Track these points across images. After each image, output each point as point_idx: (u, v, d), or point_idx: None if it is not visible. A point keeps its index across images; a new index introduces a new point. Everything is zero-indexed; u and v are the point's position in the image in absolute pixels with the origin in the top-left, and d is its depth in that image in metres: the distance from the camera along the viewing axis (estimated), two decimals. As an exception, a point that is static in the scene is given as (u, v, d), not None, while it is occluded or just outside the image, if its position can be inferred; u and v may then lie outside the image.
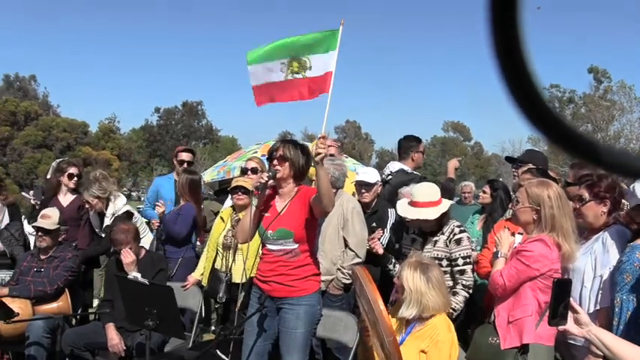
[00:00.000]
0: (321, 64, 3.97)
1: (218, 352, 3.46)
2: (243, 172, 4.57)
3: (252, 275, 3.68)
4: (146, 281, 3.54)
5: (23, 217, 5.65)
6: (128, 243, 4.00)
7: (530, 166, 4.03)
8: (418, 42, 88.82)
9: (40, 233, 4.39)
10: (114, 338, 3.88)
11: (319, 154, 2.80)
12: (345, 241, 4.00)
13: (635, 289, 2.67)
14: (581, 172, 3.72)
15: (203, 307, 4.54)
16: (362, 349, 2.81)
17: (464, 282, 3.39)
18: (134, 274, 3.79)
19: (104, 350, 3.92)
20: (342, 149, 5.51)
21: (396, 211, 4.27)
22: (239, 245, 4.06)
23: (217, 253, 4.26)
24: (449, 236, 3.46)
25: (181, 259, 4.67)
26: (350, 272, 3.92)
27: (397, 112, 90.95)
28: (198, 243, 5.18)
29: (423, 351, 2.60)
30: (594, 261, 2.91)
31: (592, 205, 2.96)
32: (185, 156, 5.37)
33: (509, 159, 4.69)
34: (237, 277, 4.01)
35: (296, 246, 3.10)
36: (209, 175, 8.04)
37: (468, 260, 3.44)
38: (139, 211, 5.48)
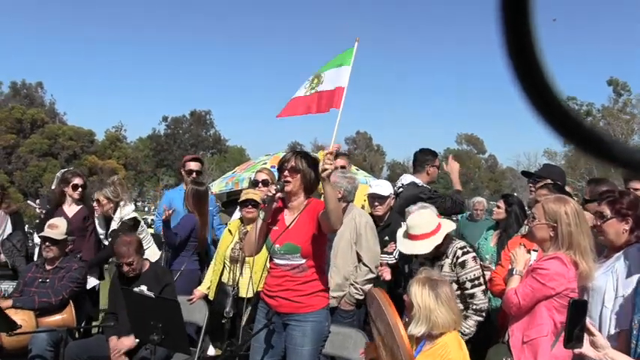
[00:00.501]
0: (332, 77, 4.04)
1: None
2: (254, 184, 4.60)
3: (259, 289, 3.69)
4: (152, 294, 3.56)
5: (27, 226, 5.71)
6: (130, 256, 4.02)
7: (548, 181, 4.01)
8: (431, 53, 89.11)
9: (47, 243, 4.43)
10: (121, 343, 3.90)
11: (325, 169, 2.80)
12: (359, 255, 4.00)
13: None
14: (598, 188, 3.70)
15: (209, 321, 4.55)
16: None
17: (475, 306, 3.33)
18: (140, 287, 3.82)
19: (107, 364, 3.94)
20: (350, 159, 5.51)
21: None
22: (246, 258, 4.07)
23: (225, 266, 4.28)
24: (452, 260, 3.40)
25: (182, 271, 4.69)
26: (363, 288, 3.92)
27: (409, 123, 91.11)
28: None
29: (434, 371, 2.59)
30: (616, 281, 2.88)
31: (613, 223, 2.93)
32: (193, 165, 5.39)
33: (525, 173, 4.66)
34: (245, 292, 4.02)
35: (303, 261, 3.10)
36: (217, 187, 8.08)
37: (476, 282, 3.36)
38: (145, 223, 5.53)
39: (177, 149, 59.43)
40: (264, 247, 3.25)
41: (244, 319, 3.89)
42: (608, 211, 2.94)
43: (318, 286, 3.14)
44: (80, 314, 4.46)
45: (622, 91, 36.84)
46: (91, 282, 5.02)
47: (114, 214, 5.01)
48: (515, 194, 6.10)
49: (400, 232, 3.59)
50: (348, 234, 3.97)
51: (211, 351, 4.97)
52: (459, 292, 3.36)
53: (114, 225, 4.96)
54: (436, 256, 3.47)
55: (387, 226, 4.37)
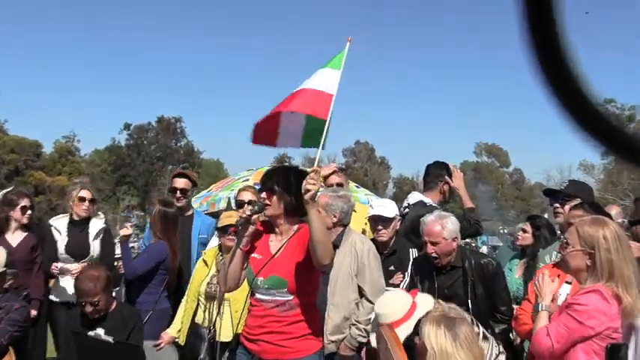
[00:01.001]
0: (316, 77, 4.04)
1: None
2: (238, 205, 4.60)
3: (239, 332, 3.68)
4: (110, 339, 3.54)
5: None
6: (97, 294, 4.00)
7: (577, 200, 4.05)
8: (444, 51, 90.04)
9: (-19, 278, 4.40)
10: None
11: (308, 190, 2.80)
12: (361, 290, 4.00)
13: None
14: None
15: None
16: None
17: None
18: (96, 331, 3.80)
19: None
20: (348, 175, 5.54)
21: (418, 251, 4.29)
22: (226, 295, 4.06)
23: (199, 304, 4.26)
24: None
25: (152, 312, 4.66)
26: (366, 328, 3.91)
27: (419, 132, 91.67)
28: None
29: None
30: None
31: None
32: (178, 182, 5.40)
33: (549, 192, 4.65)
34: (223, 335, 4.00)
35: (290, 297, 3.10)
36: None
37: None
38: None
39: (142, 163, 59.38)
40: (246, 280, 3.25)
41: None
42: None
43: (310, 327, 3.14)
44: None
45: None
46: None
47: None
48: (544, 215, 6.12)
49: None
50: (348, 264, 3.98)
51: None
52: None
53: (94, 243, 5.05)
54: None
55: (392, 254, 4.38)
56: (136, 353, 3.23)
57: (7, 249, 4.76)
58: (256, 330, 3.16)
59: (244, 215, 3.13)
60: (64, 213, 5.60)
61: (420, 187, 5.08)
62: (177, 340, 4.39)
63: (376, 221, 4.39)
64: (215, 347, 4.06)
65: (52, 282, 5.29)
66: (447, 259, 3.88)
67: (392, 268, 4.32)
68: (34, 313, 4.88)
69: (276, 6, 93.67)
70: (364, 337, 3.92)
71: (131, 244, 5.54)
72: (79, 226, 5.24)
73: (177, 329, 4.40)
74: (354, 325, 3.98)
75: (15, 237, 5.20)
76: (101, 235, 5.28)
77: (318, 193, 3.04)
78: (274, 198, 3.11)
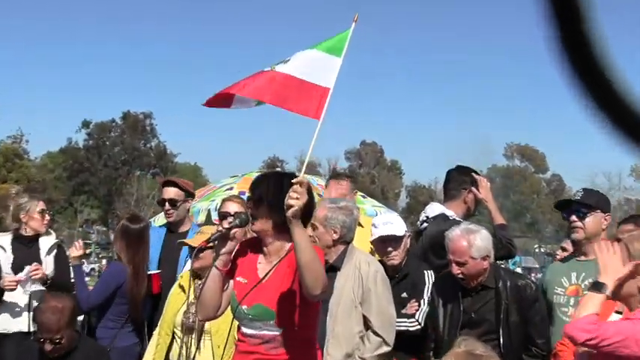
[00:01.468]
0: (307, 62, 3.81)
1: None
2: (222, 217, 4.60)
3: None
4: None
5: None
6: (59, 330, 3.99)
7: (597, 212, 4.09)
8: (466, 37, 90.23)
9: None
10: None
11: (291, 207, 2.77)
12: (366, 320, 4.01)
13: None
14: None
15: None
16: None
17: None
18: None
19: None
20: (356, 184, 5.53)
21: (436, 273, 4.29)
22: (206, 326, 4.07)
23: (174, 337, 4.26)
24: None
25: (110, 350, 4.65)
26: None
27: (437, 130, 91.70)
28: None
29: None
30: None
31: None
32: (167, 193, 5.38)
33: (563, 204, 4.62)
34: (203, 374, 4.00)
35: (279, 331, 3.09)
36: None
37: None
38: None
39: (104, 168, 59.29)
40: (230, 307, 3.26)
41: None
42: None
43: (303, 366, 3.14)
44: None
45: None
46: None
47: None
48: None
49: None
50: (350, 290, 3.97)
51: None
52: None
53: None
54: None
55: (404, 278, 4.39)
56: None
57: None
58: (241, 370, 3.17)
59: (222, 228, 3.11)
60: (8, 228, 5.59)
61: (439, 196, 5.07)
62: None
63: (384, 242, 4.39)
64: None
65: None
66: (477, 280, 3.89)
67: (404, 295, 4.31)
68: None
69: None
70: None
71: (91, 266, 5.56)
72: (25, 243, 5.25)
73: (147, 368, 4.40)
74: (358, 362, 3.98)
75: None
76: (54, 252, 5.29)
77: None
78: (263, 210, 3.08)
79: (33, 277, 4.86)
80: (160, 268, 5.08)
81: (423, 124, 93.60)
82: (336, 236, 4.04)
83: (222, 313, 3.27)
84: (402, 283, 4.34)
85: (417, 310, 4.23)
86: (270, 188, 3.11)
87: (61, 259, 5.30)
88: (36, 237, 5.28)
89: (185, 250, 5.04)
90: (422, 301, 4.22)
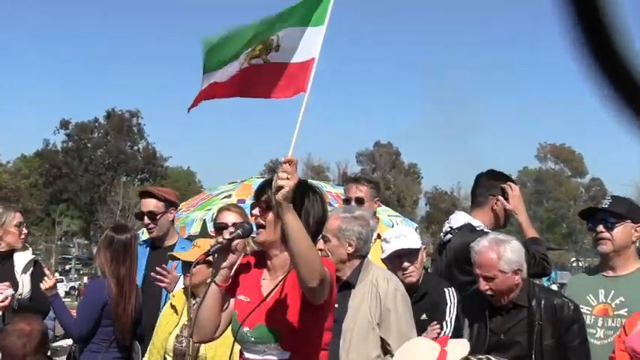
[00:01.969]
0: (295, 42, 4.00)
1: None
2: (220, 229, 4.61)
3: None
4: None
5: None
6: (25, 356, 3.99)
7: (630, 222, 4.10)
8: (493, 24, 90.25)
9: None
10: None
11: (280, 187, 2.77)
12: (384, 343, 4.01)
13: None
14: None
15: None
16: None
17: None
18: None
19: None
20: (377, 192, 5.51)
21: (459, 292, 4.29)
22: (201, 350, 4.07)
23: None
24: None
25: None
26: None
27: (459, 128, 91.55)
28: None
29: None
30: None
31: None
32: (144, 205, 5.43)
33: (589, 212, 4.60)
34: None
35: (286, 355, 3.10)
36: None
37: None
38: None
39: (85, 173, 59.38)
40: (231, 329, 3.27)
41: None
42: None
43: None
44: None
45: None
46: None
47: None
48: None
49: None
50: (367, 310, 3.98)
51: None
52: None
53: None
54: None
55: (422, 297, 4.40)
56: None
57: None
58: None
59: (222, 239, 3.12)
60: None
61: (462, 203, 5.07)
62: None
63: (399, 257, 4.39)
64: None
65: None
66: (508, 297, 3.87)
67: (424, 316, 4.30)
68: None
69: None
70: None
71: (70, 284, 5.60)
72: None
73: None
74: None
75: None
76: (31, 269, 5.32)
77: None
78: (270, 217, 3.08)
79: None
80: (144, 288, 5.09)
81: (443, 122, 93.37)
82: (351, 249, 4.04)
83: (221, 334, 3.28)
84: (420, 303, 4.33)
85: (440, 334, 4.22)
86: None
87: (38, 278, 5.31)
88: (10, 253, 5.31)
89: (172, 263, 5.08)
90: (444, 323, 4.21)
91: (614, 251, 4.10)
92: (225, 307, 3.19)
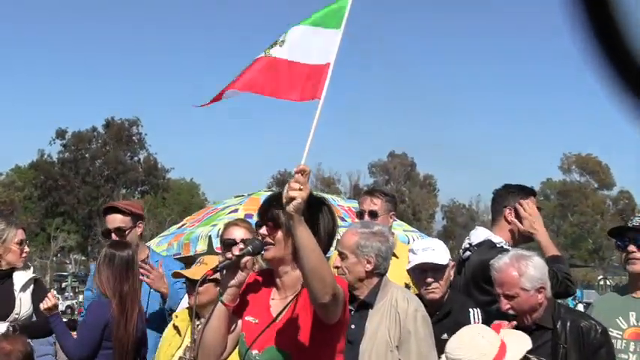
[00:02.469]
0: (304, 42, 3.99)
1: None
2: (227, 246, 4.61)
3: None
4: None
5: None
6: None
7: None
8: (514, 29, 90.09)
9: None
10: None
11: (292, 199, 2.77)
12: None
13: None
14: None
15: None
16: None
17: None
18: None
19: None
20: (394, 206, 5.52)
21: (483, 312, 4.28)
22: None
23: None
24: None
25: None
26: None
27: (479, 138, 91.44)
28: None
29: None
30: None
31: None
32: (110, 222, 5.42)
33: (619, 231, 4.59)
34: None
35: (297, 380, 3.11)
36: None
37: None
38: None
39: (82, 185, 59.42)
40: (237, 352, 3.27)
41: None
42: None
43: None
44: None
45: None
46: None
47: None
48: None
49: None
50: (386, 331, 3.97)
51: None
52: None
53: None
54: None
55: (445, 316, 4.39)
56: None
57: None
58: None
59: (231, 255, 3.13)
60: None
61: (481, 217, 5.05)
62: None
63: (424, 271, 4.39)
64: None
65: None
66: (531, 317, 3.85)
67: (445, 336, 4.29)
68: None
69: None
70: None
71: (66, 303, 5.61)
72: None
73: None
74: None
75: None
76: (31, 287, 5.34)
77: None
78: (279, 234, 3.08)
79: None
80: None
81: (461, 132, 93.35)
82: (369, 267, 4.03)
83: (227, 358, 3.28)
84: (443, 322, 4.31)
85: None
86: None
87: (39, 297, 5.31)
88: (10, 272, 5.34)
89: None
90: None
91: None
92: (232, 328, 3.20)
